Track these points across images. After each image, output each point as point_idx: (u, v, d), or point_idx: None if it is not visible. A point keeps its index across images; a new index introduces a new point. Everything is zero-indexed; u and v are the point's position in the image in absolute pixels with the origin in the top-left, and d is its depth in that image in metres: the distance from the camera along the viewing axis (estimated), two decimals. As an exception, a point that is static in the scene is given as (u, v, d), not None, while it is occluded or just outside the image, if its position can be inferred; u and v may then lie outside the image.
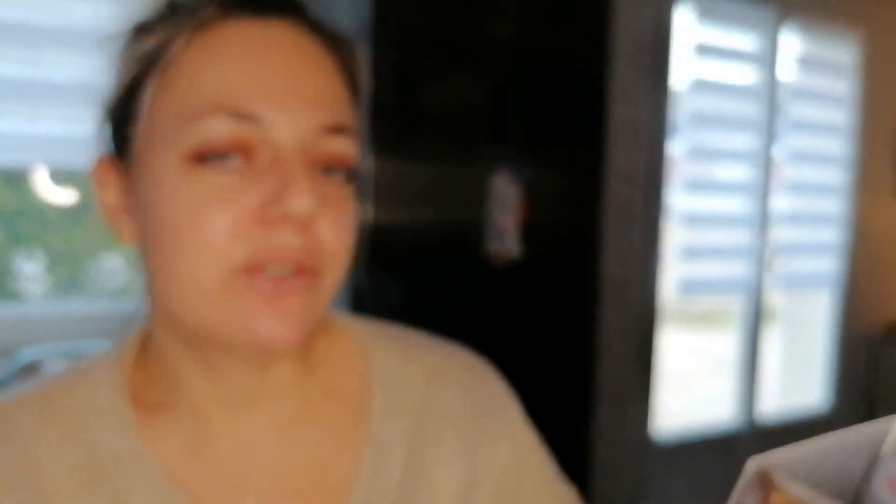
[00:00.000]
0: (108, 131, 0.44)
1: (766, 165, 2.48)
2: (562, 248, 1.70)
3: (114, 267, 1.71)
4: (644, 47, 2.26)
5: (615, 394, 2.28)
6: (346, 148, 0.41)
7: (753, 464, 0.38)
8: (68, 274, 1.69)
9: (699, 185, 2.39)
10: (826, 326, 2.80)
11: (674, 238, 2.33)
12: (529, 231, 1.61)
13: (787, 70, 2.51)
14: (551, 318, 1.68)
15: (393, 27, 1.42)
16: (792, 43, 2.50)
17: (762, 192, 2.49)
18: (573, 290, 1.74)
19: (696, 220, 2.39)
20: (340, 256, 0.41)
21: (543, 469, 0.53)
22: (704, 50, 2.31)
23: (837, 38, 2.64)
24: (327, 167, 0.40)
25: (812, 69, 2.65)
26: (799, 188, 2.67)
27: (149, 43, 0.40)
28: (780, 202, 2.55)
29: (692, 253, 2.38)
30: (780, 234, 2.56)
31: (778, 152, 2.52)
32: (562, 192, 1.66)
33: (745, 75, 2.50)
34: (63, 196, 1.68)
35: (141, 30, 0.41)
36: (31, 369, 1.15)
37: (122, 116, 0.42)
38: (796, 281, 2.70)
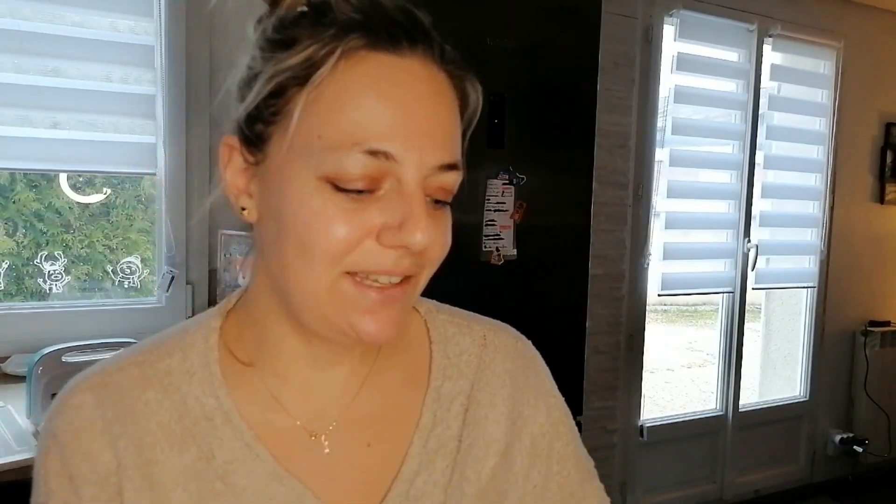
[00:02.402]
0: (241, 119, 0.46)
1: (748, 171, 2.59)
2: (554, 249, 1.78)
3: (131, 267, 1.79)
4: (631, 60, 2.36)
5: (604, 386, 2.38)
6: (455, 180, 0.46)
7: None
8: (88, 273, 1.76)
9: (683, 190, 2.49)
10: (805, 323, 2.91)
11: (659, 239, 2.43)
12: (524, 232, 1.70)
13: (769, 80, 2.61)
14: (544, 313, 1.75)
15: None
16: (773, 54, 2.61)
17: (744, 196, 2.59)
18: (564, 287, 1.82)
19: (680, 223, 2.49)
20: (437, 263, 0.47)
21: (571, 437, 0.58)
22: (689, 62, 2.41)
23: (817, 50, 2.75)
24: (436, 198, 0.45)
25: (792, 79, 2.75)
26: (779, 193, 2.78)
27: (296, 56, 0.43)
28: (762, 206, 2.66)
29: (677, 253, 2.48)
30: (762, 235, 2.66)
31: (759, 159, 2.62)
32: (554, 195, 1.74)
33: (728, 85, 2.60)
34: (83, 199, 1.75)
35: (287, 40, 0.44)
36: (49, 363, 1.21)
37: (261, 116, 0.44)
38: (777, 279, 2.80)
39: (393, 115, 0.42)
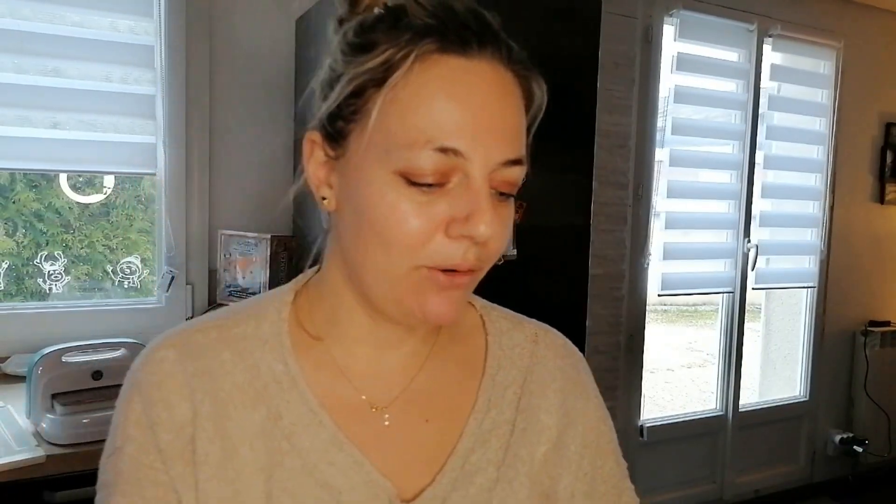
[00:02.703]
0: (323, 117, 0.50)
1: (748, 171, 2.59)
2: (554, 249, 1.78)
3: (131, 267, 1.79)
4: (631, 60, 2.36)
5: (604, 385, 2.37)
6: (519, 174, 0.49)
7: None
8: (88, 273, 1.76)
9: (683, 190, 2.49)
10: (805, 323, 2.92)
11: (659, 239, 2.43)
12: (524, 232, 1.70)
13: (768, 80, 2.61)
14: (544, 313, 1.75)
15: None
16: (773, 54, 2.61)
17: (744, 196, 2.59)
18: (564, 287, 1.82)
19: (680, 223, 2.49)
20: (496, 257, 0.50)
21: (612, 436, 0.62)
22: (688, 62, 2.41)
23: (817, 50, 2.75)
24: (501, 191, 0.48)
25: (792, 79, 2.75)
26: (779, 193, 2.78)
27: (374, 60, 0.46)
28: (762, 206, 2.66)
29: (677, 253, 2.48)
30: (762, 235, 2.66)
31: (759, 159, 2.62)
32: (554, 195, 1.74)
33: (728, 85, 2.60)
34: (83, 199, 1.75)
35: (366, 44, 0.47)
36: (48, 363, 1.21)
37: (341, 114, 0.48)
38: (777, 279, 2.80)
39: (462, 115, 0.46)
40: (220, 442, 0.50)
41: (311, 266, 0.60)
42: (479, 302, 0.62)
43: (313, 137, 0.51)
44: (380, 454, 0.52)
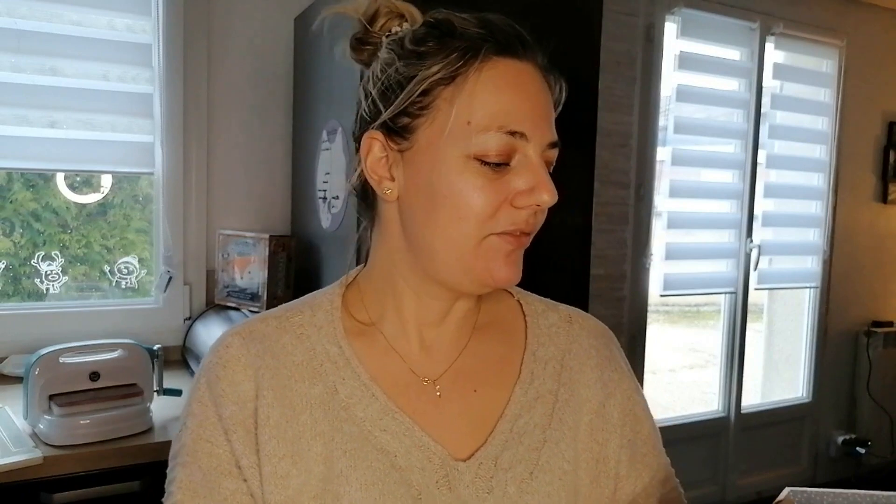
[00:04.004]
0: (382, 117, 0.57)
1: (750, 171, 2.58)
2: (554, 249, 1.77)
3: (129, 267, 1.78)
4: (633, 58, 2.35)
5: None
6: (556, 155, 0.58)
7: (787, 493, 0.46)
8: (86, 274, 1.75)
9: (685, 189, 2.48)
10: (807, 323, 2.90)
11: (661, 239, 2.42)
12: (525, 232, 1.69)
13: (771, 79, 2.60)
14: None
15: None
16: (775, 53, 2.60)
17: (746, 196, 2.59)
18: (565, 288, 1.82)
19: (682, 223, 2.48)
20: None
21: (645, 405, 0.67)
22: (690, 60, 2.40)
23: (820, 49, 2.74)
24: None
25: (795, 78, 2.74)
26: (782, 192, 2.77)
27: (441, 63, 0.55)
28: (764, 205, 2.65)
29: (679, 253, 2.47)
30: (764, 235, 2.65)
31: (761, 158, 2.61)
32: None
33: (730, 84, 2.59)
34: (81, 199, 1.74)
35: (425, 52, 0.55)
36: (46, 364, 1.20)
37: (407, 111, 0.56)
38: (779, 280, 2.79)
39: (524, 104, 0.55)
40: (280, 408, 0.56)
41: (356, 264, 0.67)
42: (515, 288, 0.68)
43: (374, 136, 0.58)
44: (432, 421, 0.58)
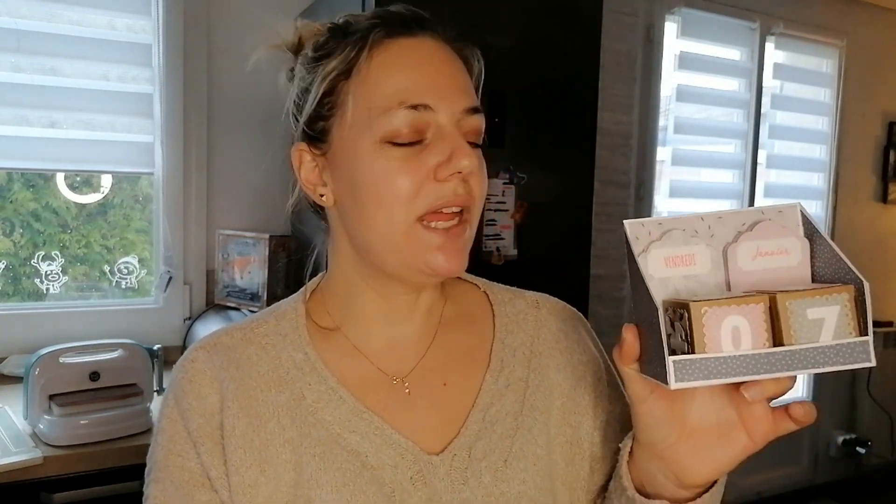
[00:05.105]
0: (300, 128, 0.58)
1: (750, 171, 2.58)
2: (554, 249, 1.77)
3: (129, 267, 1.78)
4: (633, 58, 2.35)
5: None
6: (480, 122, 0.57)
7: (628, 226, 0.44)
8: (86, 274, 1.75)
9: (685, 189, 2.48)
10: (807, 323, 2.91)
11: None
12: (524, 232, 1.69)
13: (771, 79, 2.60)
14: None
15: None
16: (775, 53, 2.60)
17: (746, 196, 2.59)
18: (565, 288, 1.81)
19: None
20: (481, 202, 0.58)
21: (618, 384, 0.66)
22: (691, 60, 2.40)
23: (820, 49, 2.74)
24: (469, 141, 0.56)
25: (795, 78, 2.74)
26: (782, 192, 2.77)
27: (337, 59, 0.56)
28: (764, 205, 2.65)
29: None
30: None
31: (761, 158, 2.61)
32: (555, 195, 1.73)
33: (730, 84, 2.59)
34: (81, 199, 1.74)
35: (323, 55, 0.57)
36: (46, 364, 1.20)
37: (320, 114, 0.57)
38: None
39: (422, 76, 0.55)
40: (246, 418, 0.56)
41: (313, 274, 0.66)
42: (481, 280, 0.69)
43: (300, 147, 0.59)
44: (404, 418, 0.58)
